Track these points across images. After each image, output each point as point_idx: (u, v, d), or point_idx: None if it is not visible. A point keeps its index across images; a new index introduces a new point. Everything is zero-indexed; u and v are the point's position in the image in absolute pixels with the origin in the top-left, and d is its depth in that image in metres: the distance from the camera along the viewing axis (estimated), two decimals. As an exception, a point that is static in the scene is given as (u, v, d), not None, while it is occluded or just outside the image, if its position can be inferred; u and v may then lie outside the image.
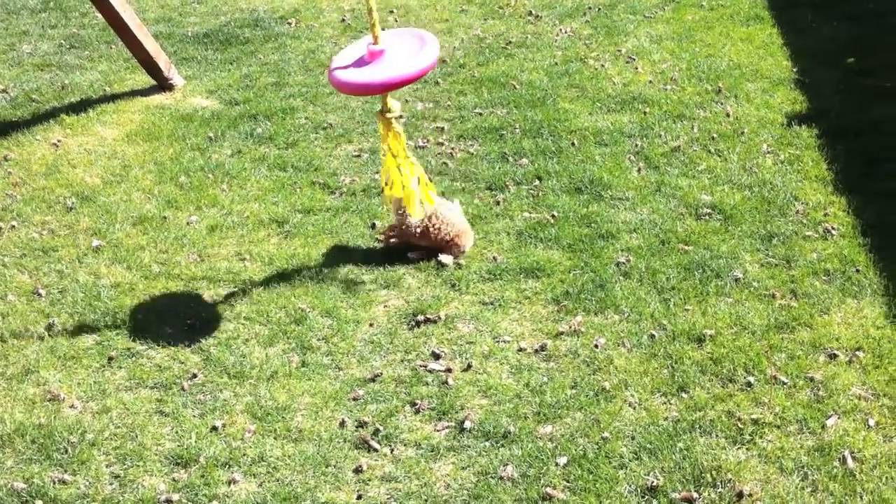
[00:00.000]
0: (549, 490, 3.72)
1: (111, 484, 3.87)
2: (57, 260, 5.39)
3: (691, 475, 3.75)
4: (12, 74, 7.91)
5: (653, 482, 3.72)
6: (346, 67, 4.48)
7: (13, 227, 5.71)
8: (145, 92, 7.53)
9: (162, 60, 7.46)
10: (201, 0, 9.56)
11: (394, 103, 4.69)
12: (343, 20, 8.88)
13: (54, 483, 3.85)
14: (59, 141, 6.73)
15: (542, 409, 4.18)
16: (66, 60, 8.15)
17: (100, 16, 8.87)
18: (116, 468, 3.95)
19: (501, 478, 3.81)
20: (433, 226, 5.24)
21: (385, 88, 4.47)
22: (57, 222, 5.76)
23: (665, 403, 4.19)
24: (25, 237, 5.61)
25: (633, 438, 3.98)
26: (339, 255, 5.39)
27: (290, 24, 8.81)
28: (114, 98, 7.41)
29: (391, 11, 9.02)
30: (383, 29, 4.70)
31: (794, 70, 7.42)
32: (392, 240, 5.43)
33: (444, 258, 5.27)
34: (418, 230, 5.27)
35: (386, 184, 4.89)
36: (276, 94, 7.44)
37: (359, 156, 6.51)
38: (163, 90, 7.54)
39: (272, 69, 7.93)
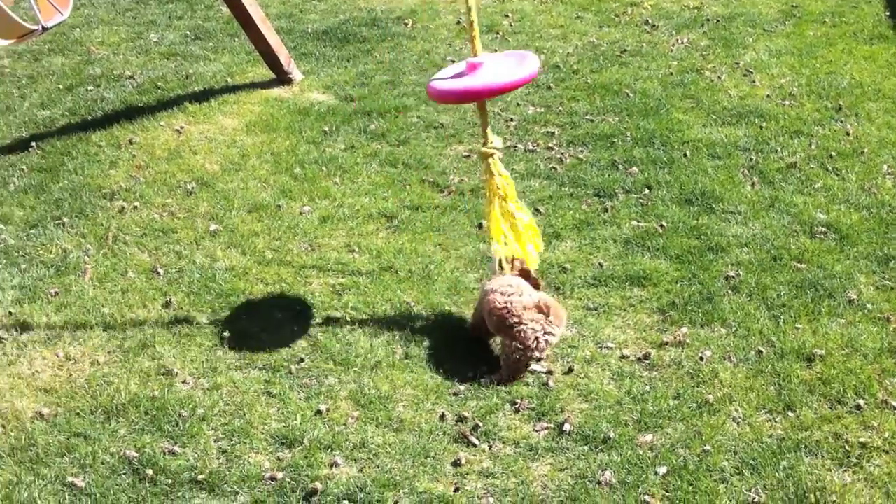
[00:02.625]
0: (647, 498, 3.71)
1: (218, 458, 4.00)
2: (176, 241, 5.58)
3: (794, 494, 3.69)
4: (139, 62, 8.21)
5: (754, 498, 3.67)
6: (444, 79, 4.44)
7: (135, 207, 5.93)
8: (265, 85, 7.73)
9: (283, 55, 7.65)
10: (321, -2, 9.74)
11: (496, 139, 4.45)
12: (458, 22, 8.96)
13: (164, 454, 3.99)
14: (181, 127, 6.96)
15: (643, 417, 4.16)
16: (190, 51, 8.43)
17: (225, 9, 9.16)
18: (224, 444, 4.08)
19: (599, 482, 3.81)
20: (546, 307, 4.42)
21: (479, 95, 4.35)
22: (177, 205, 5.97)
23: (770, 421, 4.12)
24: (147, 218, 5.82)
25: (735, 453, 3.93)
26: (445, 252, 5.45)
27: (406, 24, 8.93)
28: (235, 89, 7.63)
29: (506, 16, 9.06)
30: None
31: (920, 91, 7.21)
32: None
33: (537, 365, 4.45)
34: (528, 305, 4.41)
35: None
36: (390, 92, 7.56)
37: (468, 156, 6.57)
38: (282, 84, 7.72)
39: (387, 68, 8.05)
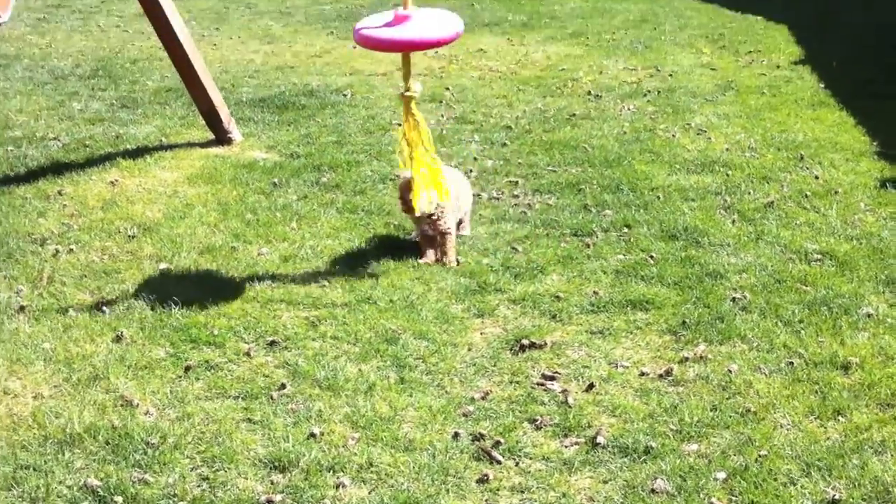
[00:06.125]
0: (714, 501, 3.21)
1: (199, 486, 3.36)
2: (120, 281, 4.98)
3: (873, 491, 3.26)
4: (64, 126, 7.67)
5: (834, 496, 3.22)
6: (370, 27, 4.59)
7: (71, 250, 5.32)
8: (203, 145, 7.28)
9: (224, 113, 7.24)
10: (253, 75, 9.42)
11: (416, 85, 4.73)
12: (399, 93, 8.68)
13: (134, 483, 3.33)
14: (115, 180, 6.41)
15: (682, 427, 3.71)
16: (118, 116, 7.94)
17: (151, 82, 8.76)
18: (204, 470, 3.45)
19: (654, 490, 3.31)
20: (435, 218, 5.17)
21: (405, 47, 4.58)
22: (118, 248, 5.38)
23: (821, 426, 3.72)
24: (85, 260, 5.22)
25: (797, 457, 3.49)
26: (426, 286, 4.99)
27: (345, 95, 8.66)
28: (171, 147, 7.14)
29: (447, 89, 8.87)
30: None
31: (875, 143, 7.19)
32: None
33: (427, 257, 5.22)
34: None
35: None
36: (339, 150, 7.18)
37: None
38: (221, 143, 7.27)
39: (332, 130, 7.70)
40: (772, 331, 4.43)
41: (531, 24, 11.98)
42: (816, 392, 3.93)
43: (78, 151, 7.02)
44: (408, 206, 4.99)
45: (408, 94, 4.71)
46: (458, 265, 5.21)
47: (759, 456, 3.49)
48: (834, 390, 3.92)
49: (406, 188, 5.00)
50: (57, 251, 5.30)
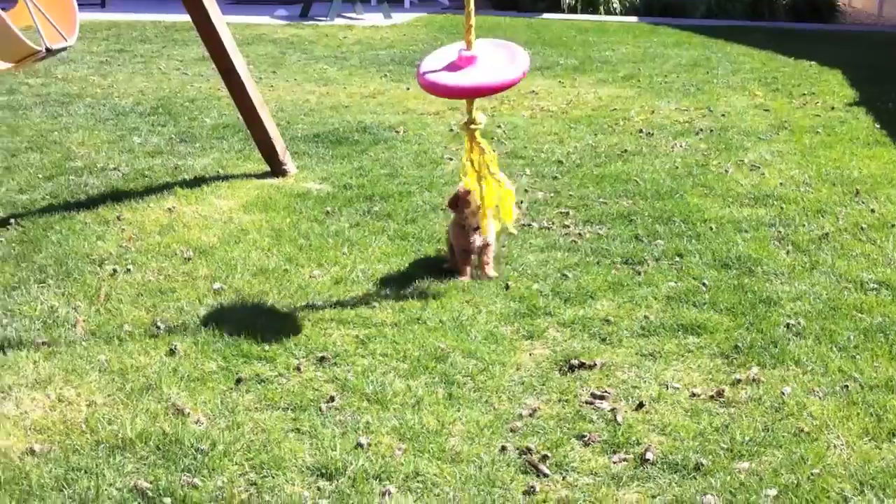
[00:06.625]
0: (764, 516, 3.15)
1: (247, 490, 3.37)
2: (175, 300, 5.06)
3: (932, 510, 3.16)
4: (124, 158, 7.85)
5: (890, 513, 3.14)
6: (437, 71, 4.42)
7: (128, 270, 5.42)
8: (259, 176, 7.39)
9: (279, 145, 7.36)
10: (308, 113, 9.58)
11: (480, 116, 4.72)
12: (451, 130, 8.79)
13: (183, 486, 3.36)
14: (173, 207, 6.53)
15: (733, 446, 3.65)
16: (177, 150, 8.10)
17: (209, 119, 8.94)
18: (252, 475, 3.47)
19: (703, 504, 3.25)
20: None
21: (475, 93, 4.53)
22: (174, 269, 5.47)
23: (877, 447, 3.64)
24: (141, 279, 5.31)
25: (851, 476, 3.42)
26: (475, 308, 5.00)
27: (397, 131, 8.76)
28: (227, 178, 7.27)
29: (498, 126, 8.94)
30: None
31: (933, 180, 7.09)
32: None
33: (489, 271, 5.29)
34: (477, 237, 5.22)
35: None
36: (391, 181, 7.26)
37: (482, 233, 6.18)
38: (275, 175, 7.38)
39: (384, 164, 7.79)
40: (826, 355, 4.37)
41: (583, 68, 12.08)
42: (872, 414, 3.85)
43: (137, 181, 7.17)
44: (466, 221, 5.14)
45: (472, 126, 4.72)
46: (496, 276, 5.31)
47: (812, 474, 3.42)
48: (890, 413, 3.84)
49: (459, 200, 5.15)
50: (114, 271, 5.40)
